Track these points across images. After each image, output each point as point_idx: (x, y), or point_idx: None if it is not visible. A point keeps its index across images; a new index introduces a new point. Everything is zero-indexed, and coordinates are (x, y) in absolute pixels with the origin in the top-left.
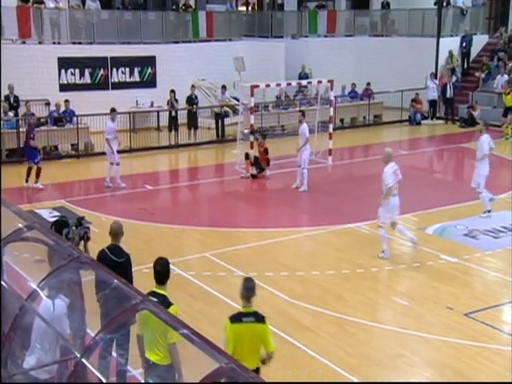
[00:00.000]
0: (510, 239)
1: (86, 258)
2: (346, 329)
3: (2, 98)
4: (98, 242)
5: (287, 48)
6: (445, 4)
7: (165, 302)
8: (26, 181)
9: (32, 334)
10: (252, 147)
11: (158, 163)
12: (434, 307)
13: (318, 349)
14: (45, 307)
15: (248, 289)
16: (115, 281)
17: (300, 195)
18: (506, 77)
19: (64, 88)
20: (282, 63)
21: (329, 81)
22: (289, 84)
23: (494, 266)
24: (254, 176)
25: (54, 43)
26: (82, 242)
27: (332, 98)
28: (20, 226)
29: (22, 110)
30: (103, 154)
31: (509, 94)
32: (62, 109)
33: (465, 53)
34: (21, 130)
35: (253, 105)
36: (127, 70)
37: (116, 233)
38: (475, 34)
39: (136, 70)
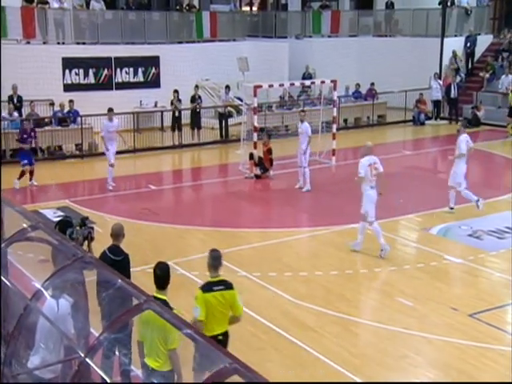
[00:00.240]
0: None
1: (90, 258)
2: (350, 329)
3: (6, 99)
4: (102, 242)
5: (291, 48)
6: (449, 4)
7: None
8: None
9: (36, 334)
10: (256, 147)
11: (162, 163)
12: (438, 308)
13: (322, 349)
14: (49, 307)
15: (215, 258)
16: (119, 281)
17: (303, 195)
18: (510, 77)
19: (68, 88)
20: (286, 63)
21: (332, 81)
22: (292, 84)
23: (499, 267)
24: (257, 176)
25: (58, 43)
26: (86, 242)
27: (335, 98)
28: (24, 225)
29: (26, 110)
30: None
31: None
32: (67, 109)
33: (469, 53)
34: None
35: (256, 105)
36: (131, 70)
37: (117, 234)
38: (479, 34)
39: (140, 70)
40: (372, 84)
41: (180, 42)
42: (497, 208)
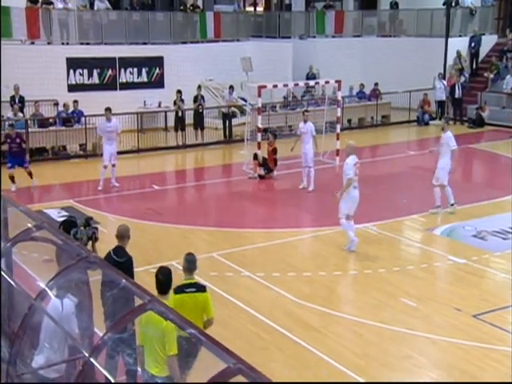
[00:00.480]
0: None
1: (95, 258)
2: (353, 329)
3: (8, 99)
4: (106, 242)
5: (295, 48)
6: (453, 4)
7: None
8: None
9: (41, 334)
10: (259, 148)
11: (166, 163)
12: (442, 308)
13: (325, 349)
14: (53, 307)
15: (189, 261)
16: (123, 280)
17: (307, 195)
18: None
19: (72, 88)
20: (290, 63)
21: (336, 81)
22: (296, 84)
23: (503, 268)
24: (261, 176)
25: (62, 44)
26: (90, 243)
27: (339, 98)
28: (29, 225)
29: (29, 110)
30: None
31: None
32: (71, 109)
33: (473, 53)
34: (30, 130)
35: (260, 105)
36: (135, 70)
37: (122, 236)
38: (484, 34)
39: (144, 71)
40: (376, 84)
41: (184, 43)
42: (501, 208)
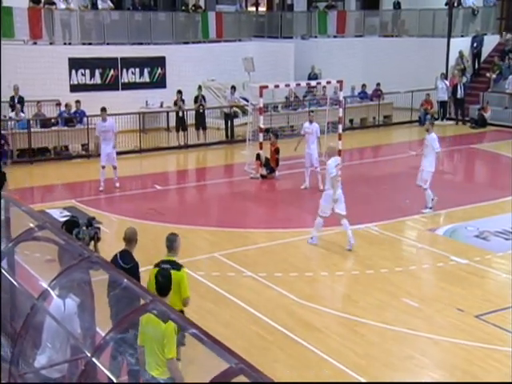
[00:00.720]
0: None
1: (97, 258)
2: (356, 330)
3: (8, 99)
4: (108, 242)
5: (297, 48)
6: (456, 4)
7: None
8: None
9: (43, 333)
10: (261, 148)
11: (168, 163)
12: (444, 309)
13: (327, 349)
14: (56, 306)
15: (169, 240)
16: (125, 280)
17: (309, 196)
18: None
19: (74, 88)
20: (292, 64)
21: (338, 81)
22: (298, 85)
23: (505, 268)
24: (263, 176)
25: (64, 44)
26: (93, 243)
27: (341, 98)
28: (31, 225)
29: (31, 110)
30: None
31: None
32: (73, 109)
33: (476, 53)
34: (32, 130)
35: (262, 105)
36: (137, 70)
37: (129, 239)
38: (486, 34)
39: (146, 71)
40: (378, 84)
41: (186, 43)
42: (503, 209)
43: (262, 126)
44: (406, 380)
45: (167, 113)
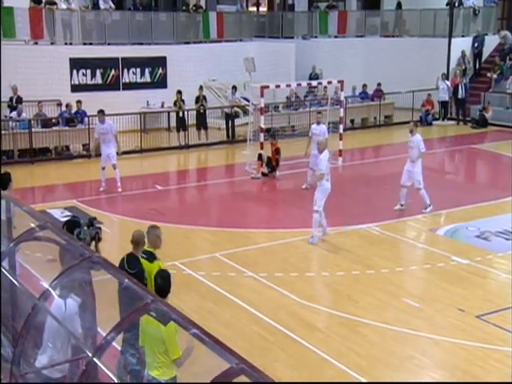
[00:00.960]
0: None
1: (98, 258)
2: (357, 330)
3: (7, 99)
4: (109, 242)
5: (298, 48)
6: (457, 4)
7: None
8: None
9: (44, 333)
10: (262, 148)
11: (169, 163)
12: (445, 309)
13: (328, 349)
14: (57, 306)
15: (147, 233)
16: (126, 280)
17: (310, 196)
18: None
19: (76, 88)
20: (293, 64)
21: (339, 81)
22: (299, 85)
23: (506, 268)
24: (264, 174)
25: (65, 44)
26: (94, 243)
27: (342, 98)
28: (32, 225)
29: (32, 111)
30: None
31: None
32: (74, 109)
33: (477, 53)
34: (33, 130)
35: (263, 105)
36: (138, 70)
37: (137, 242)
38: (487, 34)
39: (147, 71)
40: (379, 84)
41: (187, 43)
42: (504, 209)
43: (262, 126)
44: (407, 380)
45: (168, 113)
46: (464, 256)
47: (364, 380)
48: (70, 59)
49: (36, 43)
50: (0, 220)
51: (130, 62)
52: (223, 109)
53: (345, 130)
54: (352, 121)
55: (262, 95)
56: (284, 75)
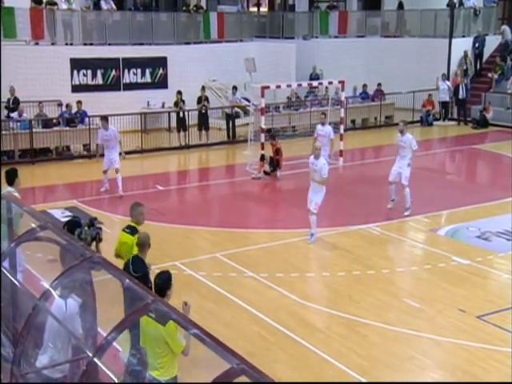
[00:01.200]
0: None
1: (99, 258)
2: (357, 330)
3: (5, 100)
4: (110, 243)
5: (298, 49)
6: (457, 5)
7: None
8: None
9: (45, 334)
10: (263, 148)
11: (169, 164)
12: (446, 309)
13: (329, 350)
14: (57, 307)
15: (131, 209)
16: (127, 280)
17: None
18: None
19: (76, 89)
20: (293, 64)
21: (340, 81)
22: (300, 85)
23: (507, 269)
24: (266, 173)
25: (66, 44)
26: (94, 243)
27: (343, 98)
28: (33, 225)
29: (33, 111)
30: None
31: None
32: (74, 109)
33: (477, 54)
34: (33, 130)
35: (263, 106)
36: (139, 70)
37: (142, 244)
38: (487, 34)
39: (147, 71)
40: (379, 84)
41: (187, 43)
42: (505, 209)
43: (263, 126)
44: (408, 380)
45: (169, 113)
46: (465, 256)
47: (364, 380)
48: (71, 59)
49: (37, 43)
50: (0, 220)
51: (130, 63)
52: (224, 109)
53: (345, 130)
54: (353, 121)
55: (262, 95)
56: (284, 75)
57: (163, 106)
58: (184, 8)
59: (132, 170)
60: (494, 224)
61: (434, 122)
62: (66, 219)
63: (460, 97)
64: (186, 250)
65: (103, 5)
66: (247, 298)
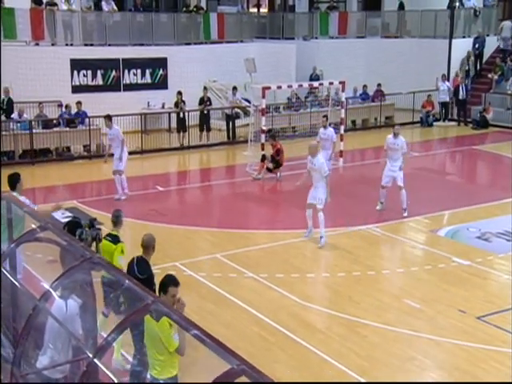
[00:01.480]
0: None
1: (99, 259)
2: (357, 331)
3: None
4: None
5: (298, 49)
6: (457, 5)
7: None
8: None
9: (45, 334)
10: (263, 149)
11: (169, 164)
12: (446, 310)
13: (329, 350)
14: (58, 307)
15: (114, 216)
16: (126, 281)
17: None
18: None
19: (76, 89)
20: (293, 65)
21: (340, 82)
22: (300, 85)
23: (507, 269)
24: (269, 170)
25: (66, 45)
26: (94, 243)
27: (343, 99)
28: (33, 226)
29: (33, 111)
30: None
31: None
32: (74, 110)
33: (477, 54)
34: (34, 131)
35: (264, 106)
36: (139, 71)
37: (146, 246)
38: (488, 35)
39: (148, 72)
40: (379, 85)
41: (188, 44)
42: (505, 210)
43: (264, 127)
44: (408, 381)
45: (169, 114)
46: (465, 257)
47: (364, 381)
48: (71, 60)
49: (37, 44)
50: (0, 220)
51: (130, 63)
52: (224, 110)
53: (346, 130)
54: (353, 122)
55: (263, 96)
56: (285, 76)
57: (163, 107)
58: (184, 9)
59: (132, 170)
60: (494, 225)
61: (434, 123)
62: (66, 220)
63: (460, 97)
64: (186, 250)
65: (104, 6)
66: (247, 299)
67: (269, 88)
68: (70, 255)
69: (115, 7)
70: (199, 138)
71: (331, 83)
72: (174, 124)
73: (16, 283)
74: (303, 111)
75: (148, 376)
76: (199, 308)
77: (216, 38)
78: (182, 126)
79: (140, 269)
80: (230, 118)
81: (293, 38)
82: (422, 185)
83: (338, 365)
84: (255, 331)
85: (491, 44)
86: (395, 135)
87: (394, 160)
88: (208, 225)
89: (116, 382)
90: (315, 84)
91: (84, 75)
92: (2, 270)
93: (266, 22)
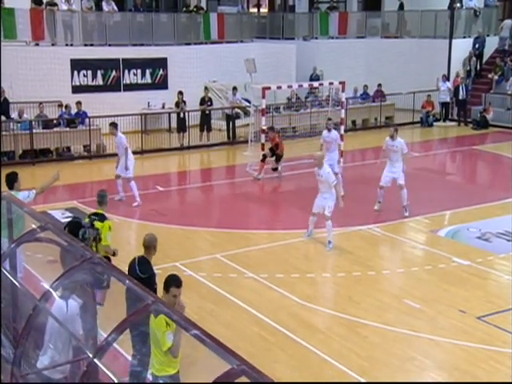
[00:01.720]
0: None
1: (99, 259)
2: (357, 331)
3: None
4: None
5: (298, 50)
6: (458, 6)
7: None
8: None
9: (45, 334)
10: (263, 149)
11: (170, 164)
12: (446, 310)
13: (329, 350)
14: (58, 308)
15: (99, 196)
16: (127, 281)
17: (311, 197)
18: None
19: (76, 89)
20: (294, 65)
21: (340, 82)
22: (301, 86)
23: (507, 269)
24: (274, 169)
25: (66, 45)
26: (94, 243)
27: (343, 99)
28: (33, 226)
29: (33, 112)
30: (115, 155)
31: None
32: (74, 110)
33: (477, 54)
34: (34, 131)
35: (264, 106)
36: (139, 71)
37: (148, 246)
38: (488, 35)
39: (148, 72)
40: (379, 85)
41: (188, 44)
42: (505, 210)
43: (264, 127)
44: (408, 381)
45: (169, 114)
46: (465, 257)
47: (364, 381)
48: (71, 60)
49: (37, 44)
50: (0, 220)
51: (130, 63)
52: (224, 110)
53: (346, 131)
54: (353, 122)
55: (263, 96)
56: (285, 76)
57: (163, 107)
58: (184, 9)
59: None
60: (495, 225)
61: (434, 123)
62: (67, 220)
63: (460, 97)
64: (186, 250)
65: (104, 6)
66: (247, 299)
67: (269, 88)
68: (70, 255)
69: (115, 8)
70: (199, 138)
71: (331, 83)
72: (174, 124)
73: (16, 283)
74: (303, 111)
75: (149, 373)
76: (199, 308)
77: (216, 38)
78: (182, 126)
79: (141, 268)
80: (230, 118)
81: (293, 38)
82: (422, 185)
83: (338, 365)
84: (255, 331)
85: (491, 44)
86: (392, 137)
87: (393, 161)
88: (208, 225)
89: (116, 382)
90: (315, 84)
91: (84, 75)
92: (2, 269)
93: (266, 22)
